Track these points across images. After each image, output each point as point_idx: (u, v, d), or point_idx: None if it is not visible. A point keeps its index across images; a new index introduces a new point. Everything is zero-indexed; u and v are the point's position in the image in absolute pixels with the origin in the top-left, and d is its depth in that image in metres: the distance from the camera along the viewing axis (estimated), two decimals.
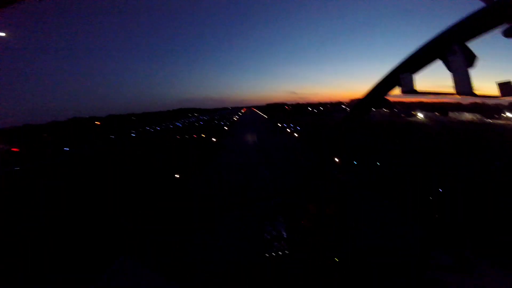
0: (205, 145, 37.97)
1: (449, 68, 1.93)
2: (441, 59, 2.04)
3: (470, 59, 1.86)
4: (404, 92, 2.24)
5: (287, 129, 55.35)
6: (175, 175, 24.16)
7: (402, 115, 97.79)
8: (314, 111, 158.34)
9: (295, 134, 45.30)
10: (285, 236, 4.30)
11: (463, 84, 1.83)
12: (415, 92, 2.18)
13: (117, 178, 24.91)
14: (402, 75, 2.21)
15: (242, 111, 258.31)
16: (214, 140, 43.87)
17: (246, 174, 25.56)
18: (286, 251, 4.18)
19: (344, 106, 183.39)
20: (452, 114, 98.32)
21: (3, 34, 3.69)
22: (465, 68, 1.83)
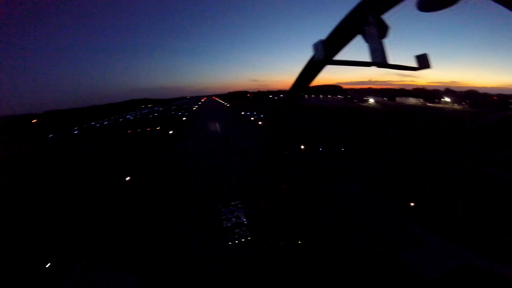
0: (160, 140, 34.22)
1: (366, 40, 2.46)
2: (360, 33, 2.55)
3: (383, 30, 2.34)
4: (316, 59, 2.66)
5: (251, 118, 53.59)
6: (126, 178, 20.65)
7: (355, 100, 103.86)
8: (274, 99, 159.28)
9: (259, 122, 43.66)
10: (245, 222, 4.14)
11: (378, 54, 2.23)
12: (327, 62, 2.55)
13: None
14: (314, 44, 2.70)
15: (202, 100, 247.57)
16: (171, 132, 39.89)
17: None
18: (249, 238, 3.98)
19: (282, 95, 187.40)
20: (399, 99, 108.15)
21: None
22: (379, 39, 2.30)
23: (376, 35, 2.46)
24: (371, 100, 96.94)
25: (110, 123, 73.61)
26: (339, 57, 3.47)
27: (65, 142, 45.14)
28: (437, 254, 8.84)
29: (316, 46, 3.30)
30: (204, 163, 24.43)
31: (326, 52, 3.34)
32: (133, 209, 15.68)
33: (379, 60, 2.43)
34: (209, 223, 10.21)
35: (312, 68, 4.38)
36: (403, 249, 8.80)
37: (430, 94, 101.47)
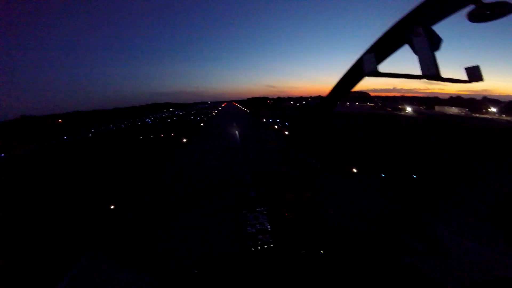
0: (169, 150, 28.90)
1: (415, 51, 1.88)
2: (407, 43, 1.99)
3: (435, 41, 1.83)
4: (366, 73, 2.07)
5: (274, 126, 46.64)
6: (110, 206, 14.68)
7: (388, 109, 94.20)
8: (296, 105, 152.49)
9: (285, 132, 36.83)
10: (269, 229, 3.92)
11: (429, 67, 1.78)
12: (377, 74, 2.01)
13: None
14: (364, 55, 2.12)
15: (222, 105, 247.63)
16: (185, 141, 34.39)
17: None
18: (271, 245, 3.81)
19: (310, 100, 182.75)
20: (438, 108, 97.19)
21: None
22: (430, 51, 1.79)
23: (426, 46, 2.02)
24: (409, 109, 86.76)
25: (127, 126, 70.26)
26: (382, 67, 2.42)
27: (72, 145, 41.50)
28: None
29: (367, 58, 2.33)
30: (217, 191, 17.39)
31: (377, 65, 2.28)
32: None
33: (430, 73, 1.91)
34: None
35: (354, 77, 3.30)
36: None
37: (469, 103, 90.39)
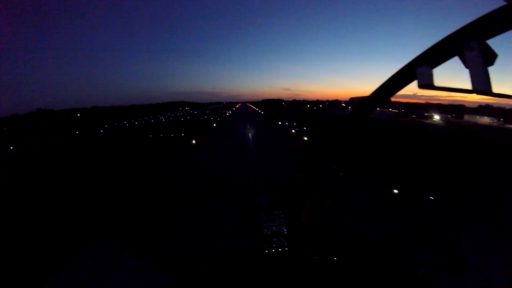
0: (176, 153, 26.44)
1: (466, 65, 1.84)
2: (458, 55, 1.95)
3: (489, 57, 1.77)
4: (421, 86, 2.02)
5: (291, 130, 43.05)
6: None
7: (413, 116, 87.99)
8: (313, 108, 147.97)
9: (305, 138, 33.36)
10: (285, 233, 3.95)
11: (480, 82, 1.75)
12: (432, 87, 1.96)
13: None
14: (419, 68, 2.04)
15: (237, 106, 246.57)
16: (194, 142, 31.90)
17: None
18: (286, 248, 3.81)
19: (343, 104, 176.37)
20: (467, 117, 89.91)
21: None
22: (484, 66, 1.76)
23: (479, 61, 1.83)
24: (436, 117, 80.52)
25: (140, 123, 69.26)
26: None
27: (80, 141, 40.18)
28: None
29: (423, 71, 2.24)
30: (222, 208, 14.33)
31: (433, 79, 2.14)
32: None
33: (481, 88, 1.81)
34: None
35: (398, 85, 2.89)
36: None
37: (499, 111, 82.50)
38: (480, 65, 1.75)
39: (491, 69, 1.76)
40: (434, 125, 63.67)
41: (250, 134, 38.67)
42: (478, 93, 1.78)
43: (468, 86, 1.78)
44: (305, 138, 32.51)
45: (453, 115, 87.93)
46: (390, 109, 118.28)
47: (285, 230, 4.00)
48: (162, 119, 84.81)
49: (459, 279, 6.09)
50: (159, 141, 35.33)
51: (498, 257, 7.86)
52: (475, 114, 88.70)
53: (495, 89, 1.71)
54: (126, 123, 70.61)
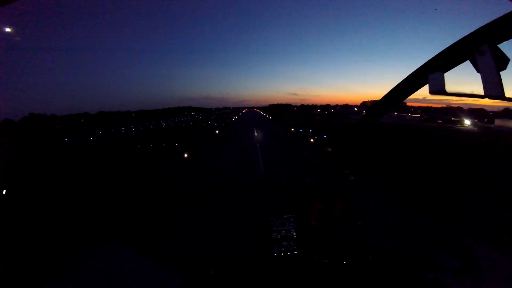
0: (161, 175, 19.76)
1: (478, 69, 1.82)
2: (469, 59, 1.94)
3: (501, 61, 1.75)
4: (432, 92, 2.06)
5: (310, 139, 35.36)
6: None
7: (439, 121, 79.51)
8: (324, 113, 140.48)
9: (329, 149, 26.01)
10: (294, 236, 3.88)
11: (492, 86, 1.74)
12: (444, 93, 1.99)
13: None
14: (431, 74, 2.09)
15: (244, 111, 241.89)
16: (186, 156, 25.16)
17: None
18: (295, 252, 3.81)
19: (356, 109, 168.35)
20: (498, 122, 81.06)
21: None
22: (496, 71, 1.74)
23: (491, 66, 1.77)
24: (467, 122, 72.17)
25: (137, 130, 63.42)
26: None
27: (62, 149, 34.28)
28: None
29: (435, 77, 2.18)
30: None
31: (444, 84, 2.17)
32: None
33: (494, 93, 1.75)
34: None
35: (408, 89, 2.82)
36: None
37: None
38: (492, 69, 1.74)
39: (503, 74, 1.76)
40: (469, 132, 55.43)
41: (258, 144, 31.76)
42: (491, 97, 1.76)
43: (480, 90, 1.78)
44: (329, 149, 25.38)
45: (485, 119, 78.85)
46: (410, 114, 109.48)
47: (294, 233, 3.83)
48: (163, 124, 79.26)
49: (472, 282, 5.22)
50: (144, 153, 28.68)
51: None
52: (503, 118, 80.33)
53: (507, 94, 1.69)
54: (113, 131, 64.34)
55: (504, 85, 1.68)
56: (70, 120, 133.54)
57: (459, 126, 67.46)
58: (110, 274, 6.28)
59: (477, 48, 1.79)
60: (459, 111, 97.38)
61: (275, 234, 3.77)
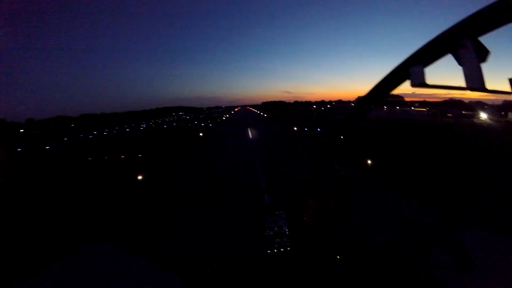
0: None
1: (460, 62, 1.87)
2: (451, 53, 1.98)
3: (482, 54, 1.81)
4: (414, 85, 2.11)
5: (322, 139, 27.15)
6: None
7: (449, 114, 72.65)
8: (321, 109, 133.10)
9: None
10: (287, 233, 4.00)
11: (474, 79, 1.79)
12: (425, 86, 2.05)
13: None
14: (412, 68, 2.14)
15: (236, 109, 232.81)
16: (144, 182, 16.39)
17: None
18: (288, 248, 3.89)
19: (353, 104, 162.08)
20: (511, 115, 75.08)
21: None
22: (477, 63, 1.80)
23: (472, 58, 1.86)
24: (484, 116, 65.42)
25: (110, 134, 53.86)
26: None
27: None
28: None
29: (416, 70, 2.22)
30: None
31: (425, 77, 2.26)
32: None
33: (475, 85, 1.87)
34: None
35: (392, 84, 2.80)
36: None
37: None
38: (473, 62, 1.76)
39: (484, 66, 1.76)
40: (493, 127, 48.47)
41: (253, 147, 23.90)
42: (473, 89, 1.78)
43: (462, 83, 1.77)
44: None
45: (502, 113, 72.42)
46: (413, 108, 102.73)
47: (287, 230, 3.88)
48: (143, 126, 69.70)
49: (467, 280, 5.76)
50: (101, 170, 20.20)
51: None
52: (500, 110, 74.87)
53: (488, 86, 1.71)
54: (87, 136, 54.25)
55: (484, 77, 1.67)
56: (48, 125, 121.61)
57: (476, 121, 60.55)
58: (105, 275, 6.36)
59: (458, 42, 1.77)
60: (462, 105, 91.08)
61: (268, 231, 3.83)
